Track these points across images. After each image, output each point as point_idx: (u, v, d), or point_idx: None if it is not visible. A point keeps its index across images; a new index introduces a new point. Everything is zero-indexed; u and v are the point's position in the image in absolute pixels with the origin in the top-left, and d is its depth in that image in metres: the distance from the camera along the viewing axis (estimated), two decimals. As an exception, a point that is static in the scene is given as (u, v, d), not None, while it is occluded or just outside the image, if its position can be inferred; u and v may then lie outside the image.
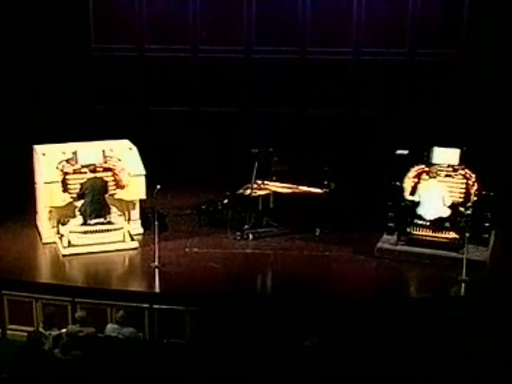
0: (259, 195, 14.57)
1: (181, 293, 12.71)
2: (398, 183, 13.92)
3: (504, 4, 16.56)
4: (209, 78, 17.67)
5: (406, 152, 14.26)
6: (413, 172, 13.91)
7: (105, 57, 17.71)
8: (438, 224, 13.55)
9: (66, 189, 13.97)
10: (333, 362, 10.57)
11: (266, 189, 14.74)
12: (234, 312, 12.23)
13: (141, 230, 14.53)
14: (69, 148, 14.16)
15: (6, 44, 16.89)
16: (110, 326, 11.52)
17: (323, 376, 10.28)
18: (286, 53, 17.52)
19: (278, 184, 14.83)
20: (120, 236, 14.02)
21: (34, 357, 10.62)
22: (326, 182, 14.61)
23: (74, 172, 14.07)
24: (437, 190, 13.63)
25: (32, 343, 10.84)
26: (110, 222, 14.00)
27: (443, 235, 13.60)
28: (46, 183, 13.84)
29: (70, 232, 13.84)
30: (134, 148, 14.55)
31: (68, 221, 14.02)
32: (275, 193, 14.67)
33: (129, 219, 14.45)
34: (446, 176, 13.79)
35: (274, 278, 13.60)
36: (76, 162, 14.01)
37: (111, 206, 14.11)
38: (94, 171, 14.00)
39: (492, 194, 13.58)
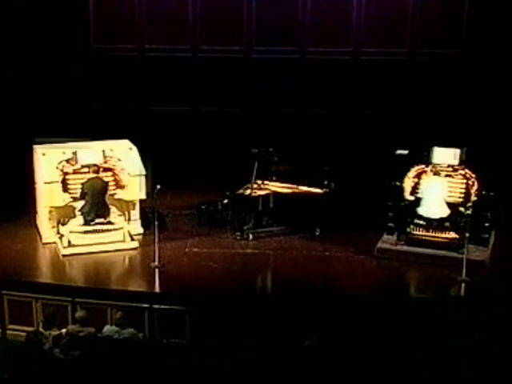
0: (259, 195, 14.57)
1: (181, 293, 12.72)
2: (398, 183, 13.92)
3: (504, 4, 16.56)
4: (209, 77, 17.67)
5: (405, 152, 14.26)
6: (413, 172, 13.91)
7: (105, 57, 17.71)
8: (437, 224, 13.56)
9: (66, 189, 13.96)
10: (332, 362, 10.57)
11: (266, 189, 14.74)
12: (234, 312, 12.23)
13: (141, 230, 14.53)
14: (69, 148, 14.16)
15: (6, 44, 16.89)
16: (110, 328, 11.51)
17: (323, 376, 10.28)
18: (286, 53, 17.53)
19: (278, 184, 14.83)
20: (120, 236, 14.02)
21: (33, 357, 10.63)
22: (325, 182, 14.61)
23: (74, 172, 14.06)
24: (438, 187, 13.64)
25: (32, 343, 10.85)
26: (110, 222, 14.00)
27: (443, 235, 13.61)
28: (46, 183, 13.84)
29: (70, 232, 13.84)
30: (134, 148, 14.55)
31: (68, 221, 14.02)
32: (275, 193, 14.67)
33: (129, 219, 14.44)
34: (446, 176, 13.79)
35: (274, 278, 13.60)
36: (76, 162, 14.00)
37: (111, 206, 14.10)
38: (94, 171, 13.99)
39: (492, 193, 13.58)
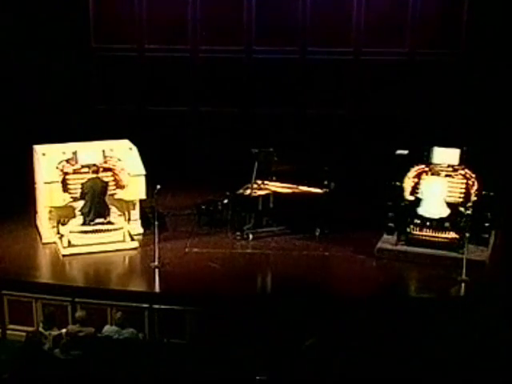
0: (259, 195, 14.57)
1: (181, 293, 12.72)
2: (398, 183, 13.92)
3: (504, 4, 16.56)
4: (209, 77, 17.68)
5: (405, 152, 14.26)
6: (413, 172, 13.91)
7: (105, 57, 17.71)
8: (437, 224, 13.56)
9: (66, 189, 13.96)
10: (332, 362, 10.57)
11: (266, 189, 14.74)
12: (234, 312, 12.23)
13: (141, 230, 14.53)
14: (69, 148, 14.15)
15: (6, 44, 16.89)
16: (110, 328, 11.52)
17: (323, 376, 10.28)
18: (286, 53, 17.53)
19: (278, 184, 14.83)
20: (120, 236, 14.02)
21: (33, 357, 10.63)
22: (325, 182, 14.61)
23: (74, 172, 14.06)
24: (438, 187, 13.64)
25: (32, 343, 10.84)
26: (110, 222, 14.00)
27: (443, 235, 13.61)
28: (46, 183, 13.84)
29: (70, 232, 13.84)
30: (134, 148, 14.55)
31: (68, 221, 14.02)
32: (275, 193, 14.66)
33: (129, 219, 14.44)
34: (446, 176, 13.79)
35: (273, 278, 13.60)
36: (76, 162, 14.01)
37: (111, 206, 14.11)
38: (94, 172, 13.99)
39: (492, 193, 13.58)
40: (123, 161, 14.26)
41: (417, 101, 17.30)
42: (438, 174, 13.75)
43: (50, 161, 13.98)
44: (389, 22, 17.21)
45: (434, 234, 13.66)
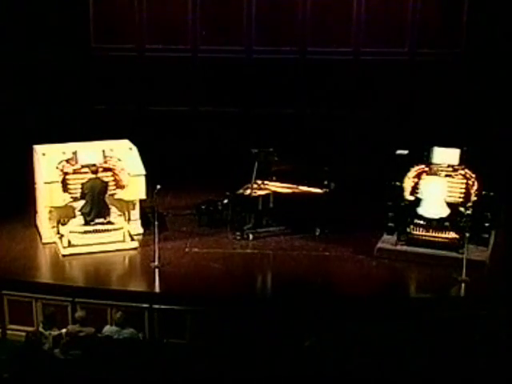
0: (259, 195, 14.57)
1: (181, 293, 12.71)
2: (398, 183, 13.92)
3: (504, 4, 16.56)
4: (209, 77, 17.68)
5: (405, 152, 14.26)
6: (413, 172, 13.91)
7: (105, 57, 17.72)
8: (437, 224, 13.57)
9: (66, 189, 13.96)
10: (332, 362, 10.57)
11: (265, 189, 14.74)
12: (234, 312, 12.23)
13: (141, 230, 14.53)
14: (69, 148, 14.15)
15: (5, 44, 16.89)
16: (110, 328, 11.51)
17: (322, 376, 10.28)
18: (285, 53, 17.53)
19: (278, 184, 14.83)
20: (120, 236, 14.02)
21: (33, 357, 10.63)
22: (325, 182, 14.61)
23: (74, 172, 14.06)
24: (438, 187, 13.65)
25: (32, 343, 10.84)
26: (110, 222, 14.00)
27: (443, 235, 13.61)
28: (46, 183, 13.84)
29: (70, 232, 13.84)
30: (134, 148, 14.55)
31: (68, 221, 14.02)
32: (275, 193, 14.67)
33: (129, 219, 14.44)
34: (446, 176, 13.79)
35: (274, 278, 13.60)
36: (76, 162, 14.01)
37: (111, 206, 14.10)
38: (94, 172, 13.99)
39: (492, 193, 13.58)
40: (123, 161, 14.25)
41: (417, 101, 17.30)
42: (438, 174, 13.76)
43: (49, 161, 13.98)
44: (389, 21, 17.22)
45: (434, 234, 13.67)
